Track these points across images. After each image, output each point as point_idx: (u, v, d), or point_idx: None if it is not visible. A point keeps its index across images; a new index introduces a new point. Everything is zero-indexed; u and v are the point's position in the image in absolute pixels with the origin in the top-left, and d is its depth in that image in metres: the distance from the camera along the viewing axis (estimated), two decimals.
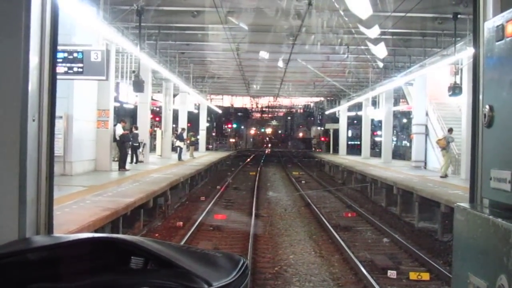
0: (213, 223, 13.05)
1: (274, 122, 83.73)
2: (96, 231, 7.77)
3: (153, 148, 28.65)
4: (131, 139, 20.15)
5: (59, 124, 13.34)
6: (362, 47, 19.70)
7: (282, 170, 33.19)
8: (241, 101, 68.98)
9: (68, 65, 12.30)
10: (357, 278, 8.74)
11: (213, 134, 62.17)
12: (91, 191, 11.45)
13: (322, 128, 58.79)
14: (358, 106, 37.70)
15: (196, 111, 38.13)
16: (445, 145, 17.60)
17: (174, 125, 29.61)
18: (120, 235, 1.25)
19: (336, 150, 43.13)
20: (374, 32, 15.74)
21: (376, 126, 38.16)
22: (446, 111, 24.27)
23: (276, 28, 18.14)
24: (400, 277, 8.82)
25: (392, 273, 8.75)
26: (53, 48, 1.52)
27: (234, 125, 73.27)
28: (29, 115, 1.41)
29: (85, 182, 13.22)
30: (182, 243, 10.23)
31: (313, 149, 58.29)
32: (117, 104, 22.19)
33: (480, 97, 1.68)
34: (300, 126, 75.83)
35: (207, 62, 27.96)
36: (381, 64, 24.36)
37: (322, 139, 56.79)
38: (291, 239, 11.82)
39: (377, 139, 42.34)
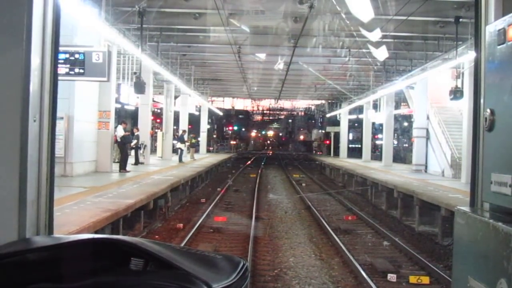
0: (213, 225, 13.05)
1: (275, 125, 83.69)
2: (96, 232, 7.77)
3: (153, 150, 28.66)
4: (135, 140, 20.16)
5: (60, 125, 13.37)
6: (364, 50, 19.70)
7: (282, 173, 33.17)
8: (242, 104, 69.02)
9: (70, 66, 12.28)
10: (357, 281, 8.73)
11: (214, 136, 62.16)
12: (92, 192, 11.45)
13: (323, 131, 58.74)
14: (359, 109, 37.68)
15: (197, 113, 38.11)
16: None
17: (175, 127, 29.62)
18: (120, 236, 1.25)
19: (337, 153, 43.09)
20: (375, 35, 15.74)
21: (377, 129, 38.14)
22: (447, 114, 24.23)
23: (277, 31, 18.16)
24: (400, 280, 8.82)
25: (392, 277, 8.75)
26: (54, 49, 1.52)
27: (235, 127, 73.26)
28: (30, 116, 1.41)
29: (85, 183, 13.22)
30: (182, 245, 10.22)
31: (314, 152, 58.25)
32: (118, 106, 22.24)
33: (481, 101, 1.68)
34: (301, 129, 75.76)
35: (209, 64, 28.01)
36: (382, 67, 24.35)
37: (327, 142, 56.67)
38: (291, 241, 11.81)
39: (378, 142, 42.28)
